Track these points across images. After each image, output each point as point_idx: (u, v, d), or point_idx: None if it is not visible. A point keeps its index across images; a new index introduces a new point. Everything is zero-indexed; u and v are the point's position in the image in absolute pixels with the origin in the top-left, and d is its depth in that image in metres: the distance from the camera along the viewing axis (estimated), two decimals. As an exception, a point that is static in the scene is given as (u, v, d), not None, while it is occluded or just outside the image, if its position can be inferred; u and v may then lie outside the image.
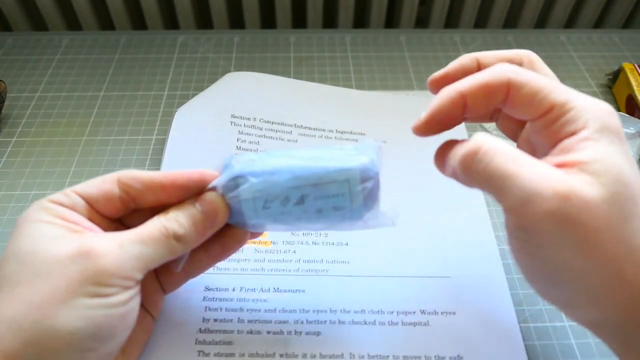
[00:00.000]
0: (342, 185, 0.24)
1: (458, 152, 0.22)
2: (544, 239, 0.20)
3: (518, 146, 0.27)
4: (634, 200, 0.20)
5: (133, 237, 0.23)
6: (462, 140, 0.23)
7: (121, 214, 0.25)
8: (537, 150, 0.24)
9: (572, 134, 0.21)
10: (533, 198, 0.19)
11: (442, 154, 0.25)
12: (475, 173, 0.21)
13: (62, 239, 0.22)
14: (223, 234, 0.26)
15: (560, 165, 0.21)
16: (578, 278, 0.20)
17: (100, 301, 0.21)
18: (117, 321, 0.22)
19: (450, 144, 0.24)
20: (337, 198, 0.25)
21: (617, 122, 0.21)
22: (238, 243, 0.27)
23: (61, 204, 0.23)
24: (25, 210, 0.24)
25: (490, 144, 0.21)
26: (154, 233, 0.23)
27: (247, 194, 0.24)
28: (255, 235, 0.28)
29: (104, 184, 0.25)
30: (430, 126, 0.24)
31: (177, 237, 0.23)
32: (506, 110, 0.24)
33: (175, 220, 0.24)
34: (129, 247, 0.22)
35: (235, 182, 0.24)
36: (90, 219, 0.24)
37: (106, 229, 0.25)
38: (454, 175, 0.24)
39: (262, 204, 0.25)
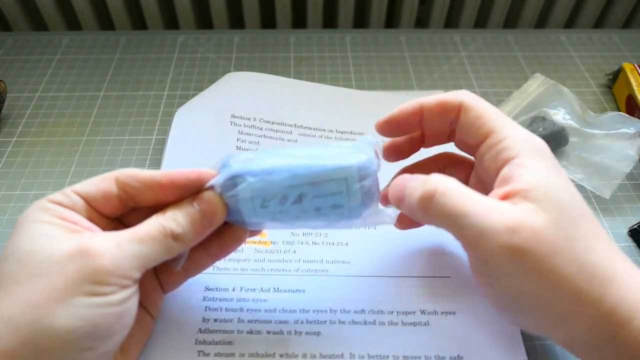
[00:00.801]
0: (340, 184, 0.24)
1: (415, 194, 0.23)
2: (501, 270, 0.21)
3: (469, 185, 0.28)
4: (577, 220, 0.22)
5: (131, 236, 0.23)
6: (414, 177, 0.24)
7: (120, 213, 0.26)
8: (485, 185, 0.26)
9: (507, 161, 0.23)
10: (487, 234, 0.21)
11: (398, 191, 0.26)
12: (433, 214, 0.23)
13: (61, 238, 0.22)
14: (222, 233, 0.26)
15: (505, 196, 0.22)
16: (539, 304, 0.21)
17: (98, 300, 0.21)
18: (115, 320, 0.22)
19: (400, 182, 0.25)
20: (336, 196, 0.25)
21: (549, 152, 0.24)
22: (237, 242, 0.27)
23: (60, 204, 0.23)
24: (25, 210, 0.24)
25: (446, 185, 0.23)
26: (152, 232, 0.23)
27: (245, 193, 0.24)
28: (254, 233, 0.28)
29: (102, 182, 0.25)
30: (389, 126, 0.27)
31: (175, 236, 0.23)
32: (457, 131, 0.26)
33: (173, 219, 0.24)
34: (127, 246, 0.22)
35: (233, 181, 0.24)
36: (90, 219, 0.24)
37: (105, 228, 0.25)
38: (411, 214, 0.25)
39: (260, 203, 0.25)
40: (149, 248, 0.23)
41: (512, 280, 0.21)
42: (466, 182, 0.29)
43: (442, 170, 0.30)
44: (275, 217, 0.25)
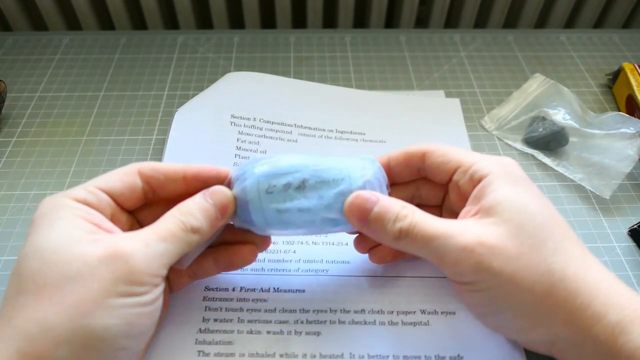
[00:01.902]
0: (341, 171, 0.26)
1: (394, 227, 0.25)
2: (472, 280, 0.23)
3: (443, 213, 0.31)
4: (544, 225, 0.24)
5: (155, 235, 0.23)
6: (380, 201, 0.25)
7: (140, 205, 0.26)
8: (457, 209, 0.27)
9: (479, 181, 0.25)
10: (450, 254, 0.23)
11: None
12: (403, 245, 0.25)
13: (86, 240, 0.22)
14: (233, 252, 0.28)
15: (475, 214, 0.25)
16: (513, 305, 0.23)
17: (133, 300, 0.21)
18: (148, 318, 0.23)
19: (362, 201, 0.25)
20: (338, 182, 0.26)
21: (518, 168, 0.26)
22: (245, 261, 0.28)
23: (85, 202, 0.24)
24: (43, 202, 0.23)
25: (418, 216, 0.24)
26: (174, 229, 0.23)
27: (253, 179, 0.25)
28: (264, 245, 0.29)
29: (126, 176, 0.25)
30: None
31: (194, 230, 0.24)
32: (427, 173, 0.29)
33: (190, 215, 0.24)
34: (154, 245, 0.23)
35: (243, 172, 0.26)
36: (112, 215, 0.25)
37: (124, 222, 0.25)
38: (376, 237, 0.26)
39: (266, 188, 0.25)
40: (173, 245, 0.23)
41: (486, 286, 0.23)
42: (439, 205, 0.31)
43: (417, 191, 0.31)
44: (280, 208, 0.25)
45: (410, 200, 0.31)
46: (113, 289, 0.21)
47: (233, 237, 0.28)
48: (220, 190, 0.26)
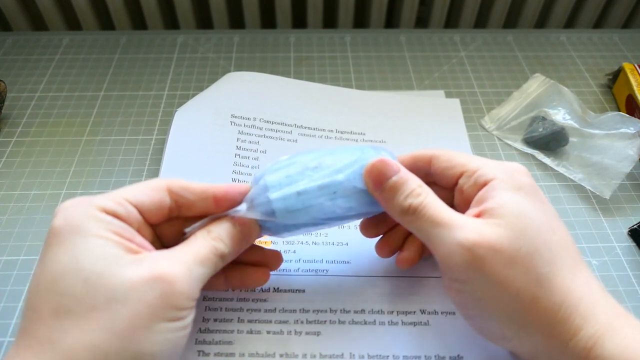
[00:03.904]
0: (356, 152, 0.27)
1: (405, 201, 0.25)
2: (465, 277, 0.23)
3: None
4: (542, 233, 0.24)
5: (194, 258, 0.23)
6: (400, 171, 0.26)
7: (163, 221, 0.26)
8: (462, 212, 0.27)
9: (484, 184, 0.26)
10: (448, 245, 0.23)
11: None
12: (414, 222, 0.25)
13: (127, 260, 0.22)
14: (247, 275, 0.28)
15: (477, 215, 0.25)
16: (500, 310, 0.23)
17: (179, 324, 0.22)
18: (186, 340, 0.23)
19: (382, 168, 0.26)
20: (354, 159, 0.26)
21: (525, 174, 0.26)
22: (257, 283, 0.29)
23: (115, 215, 0.23)
24: (65, 209, 0.23)
25: (431, 198, 0.25)
26: (208, 254, 0.24)
27: (272, 169, 0.26)
28: (274, 261, 0.29)
29: (155, 193, 0.25)
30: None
31: (222, 256, 0.25)
32: (433, 178, 0.29)
33: (220, 240, 0.25)
34: (195, 270, 0.23)
35: (263, 170, 0.27)
36: (138, 229, 0.24)
37: (148, 236, 0.25)
38: (387, 207, 0.26)
39: (285, 174, 0.26)
40: (207, 269, 0.24)
41: (474, 286, 0.23)
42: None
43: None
44: (300, 193, 0.25)
45: (425, 178, 0.31)
46: (161, 314, 0.21)
47: (247, 257, 0.28)
48: (245, 213, 0.26)
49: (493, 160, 0.27)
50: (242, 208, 0.25)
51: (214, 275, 0.26)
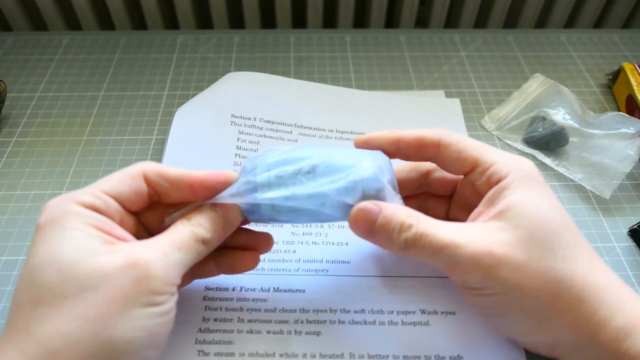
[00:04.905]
0: (351, 157, 0.26)
1: (400, 238, 0.24)
2: (479, 285, 0.24)
3: (450, 212, 0.31)
4: (555, 231, 0.23)
5: (171, 244, 0.23)
6: (385, 209, 0.25)
7: (144, 208, 0.26)
8: (468, 209, 0.27)
9: (496, 183, 0.25)
10: (461, 264, 0.23)
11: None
12: (417, 254, 0.24)
13: (102, 250, 0.22)
14: (236, 258, 0.28)
15: (486, 217, 0.25)
16: (519, 309, 0.23)
17: (155, 310, 0.21)
18: (167, 327, 0.23)
19: (367, 213, 0.25)
20: (348, 168, 0.25)
21: (534, 170, 0.26)
22: (247, 267, 0.28)
23: (94, 208, 0.23)
24: (47, 206, 0.23)
25: (423, 225, 0.24)
26: (187, 239, 0.24)
27: (264, 166, 0.25)
28: (266, 245, 0.29)
29: (133, 181, 0.25)
30: (367, 147, 0.29)
31: (204, 241, 0.24)
32: (439, 164, 0.28)
33: (201, 226, 0.24)
34: (172, 255, 0.23)
35: (254, 162, 0.26)
36: (120, 219, 0.24)
37: (130, 225, 0.25)
38: (383, 247, 0.26)
39: (276, 174, 0.25)
40: (187, 255, 0.23)
41: (490, 291, 0.24)
42: (445, 210, 0.31)
43: (423, 201, 0.31)
44: (289, 197, 0.25)
45: (418, 188, 0.31)
46: (135, 299, 0.21)
47: (236, 241, 0.28)
48: (229, 200, 0.25)
49: (506, 154, 0.26)
50: (225, 199, 0.25)
51: (203, 261, 0.26)
